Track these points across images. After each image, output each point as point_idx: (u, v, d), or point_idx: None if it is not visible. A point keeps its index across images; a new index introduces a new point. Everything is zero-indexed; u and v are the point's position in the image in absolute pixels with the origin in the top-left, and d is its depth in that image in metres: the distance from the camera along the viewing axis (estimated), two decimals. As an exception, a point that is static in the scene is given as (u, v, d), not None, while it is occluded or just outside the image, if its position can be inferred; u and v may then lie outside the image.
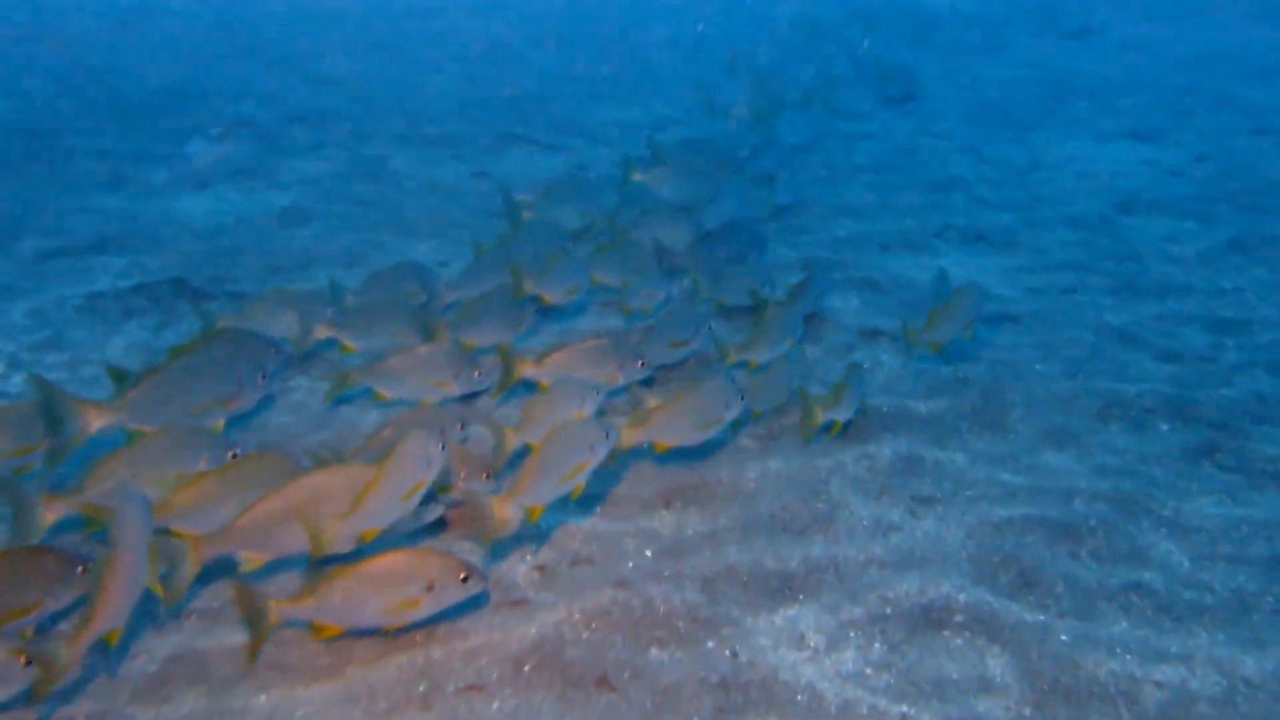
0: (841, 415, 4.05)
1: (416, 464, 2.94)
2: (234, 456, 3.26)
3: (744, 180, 6.58)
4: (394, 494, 2.94)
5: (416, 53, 13.17)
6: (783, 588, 3.30)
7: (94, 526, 3.09)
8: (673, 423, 3.61)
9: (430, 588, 2.84)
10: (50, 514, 2.98)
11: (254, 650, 2.80)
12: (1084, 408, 4.40)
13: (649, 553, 3.49)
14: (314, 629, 2.85)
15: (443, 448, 3.00)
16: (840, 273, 5.96)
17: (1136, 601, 3.20)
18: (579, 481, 3.26)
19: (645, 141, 6.99)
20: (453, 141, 8.77)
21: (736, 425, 4.05)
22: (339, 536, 2.91)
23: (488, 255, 5.08)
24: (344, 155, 8.23)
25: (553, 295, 4.79)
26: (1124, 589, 3.25)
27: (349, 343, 4.41)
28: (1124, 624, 3.11)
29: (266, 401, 4.35)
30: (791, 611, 3.19)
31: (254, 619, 2.77)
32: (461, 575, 2.86)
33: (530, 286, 4.70)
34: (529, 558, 3.41)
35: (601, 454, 3.28)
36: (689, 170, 6.43)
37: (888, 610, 3.17)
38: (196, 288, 5.80)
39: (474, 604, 3.13)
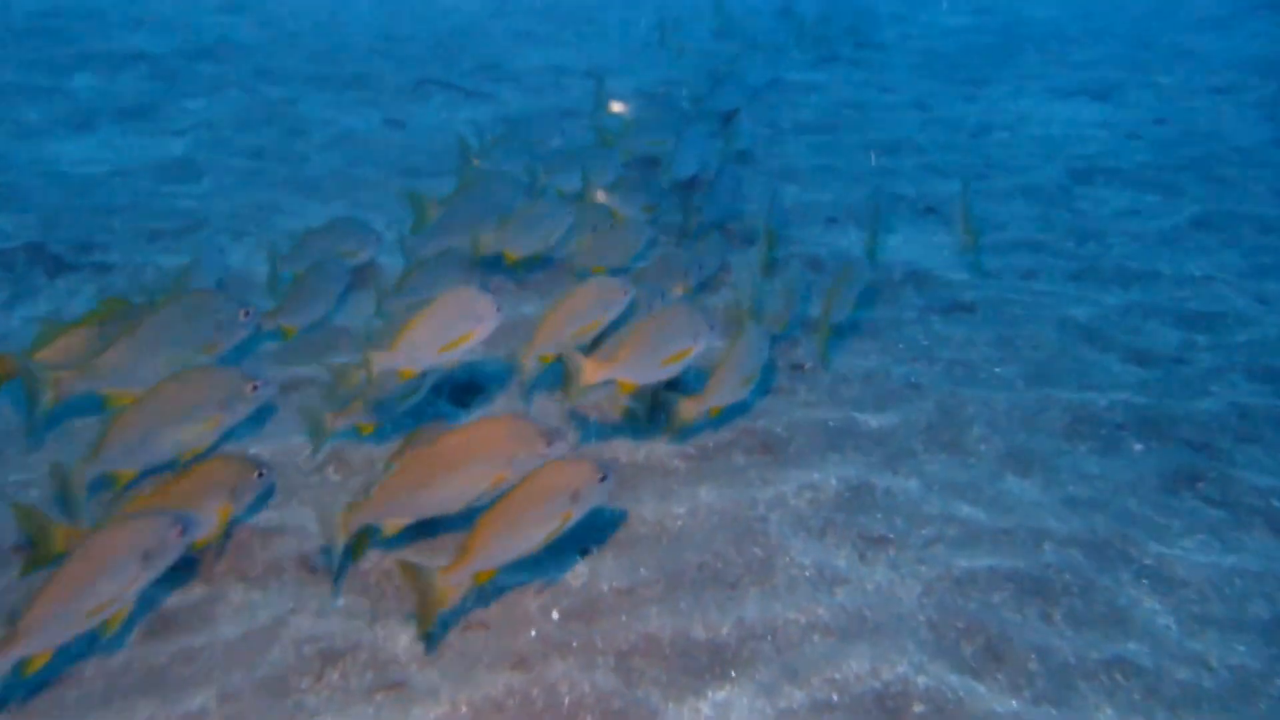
0: (722, 400, 3.52)
1: (465, 317, 3.17)
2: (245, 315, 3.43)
3: (702, 130, 5.97)
4: (435, 339, 3.16)
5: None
6: (712, 663, 2.76)
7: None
8: (638, 358, 3.27)
9: (575, 497, 2.76)
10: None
11: (425, 624, 2.69)
12: (1050, 423, 3.90)
13: (555, 614, 2.92)
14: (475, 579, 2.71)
15: (497, 309, 3.22)
16: (782, 249, 5.37)
17: (1122, 682, 2.72)
18: (676, 370, 3.33)
19: (594, 94, 6.33)
20: (369, 83, 7.93)
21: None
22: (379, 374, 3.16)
23: (447, 210, 4.57)
24: (247, 97, 7.36)
25: (517, 253, 4.47)
26: (1106, 665, 2.77)
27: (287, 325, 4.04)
28: (1109, 712, 2.64)
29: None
30: (722, 695, 2.66)
31: (422, 591, 2.63)
32: (599, 476, 2.78)
33: (491, 245, 4.41)
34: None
35: (702, 347, 3.35)
36: (651, 122, 5.88)
37: (834, 697, 2.65)
38: (55, 254, 5.01)
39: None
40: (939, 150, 7.19)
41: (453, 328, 3.25)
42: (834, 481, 3.49)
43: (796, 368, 4.33)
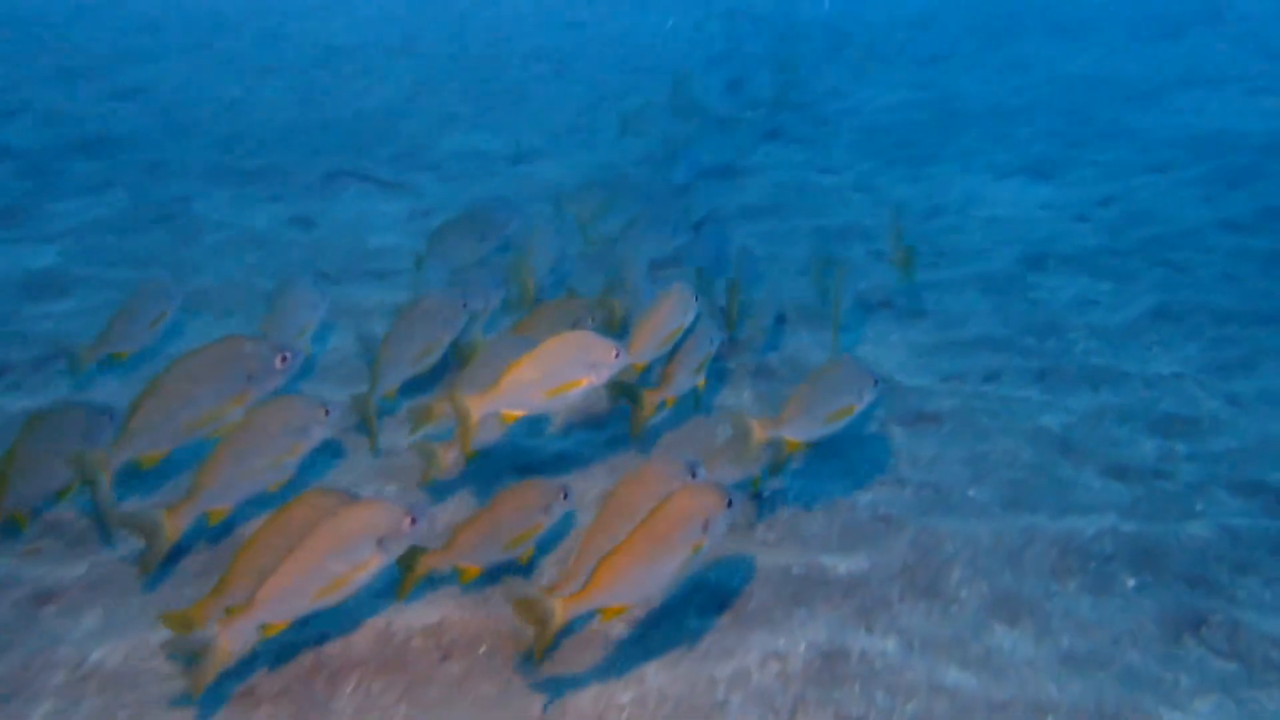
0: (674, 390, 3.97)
1: (579, 362, 3.23)
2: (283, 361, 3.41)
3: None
4: (543, 382, 3.22)
5: (245, 57, 11.78)
6: None
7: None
8: (802, 415, 3.51)
9: (706, 525, 2.78)
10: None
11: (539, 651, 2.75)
12: (1035, 559, 3.64)
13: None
14: (601, 612, 2.73)
15: (616, 355, 3.30)
16: (729, 358, 5.11)
17: None
18: (840, 425, 3.51)
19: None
20: (274, 176, 7.58)
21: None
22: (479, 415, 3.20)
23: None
24: (132, 196, 6.93)
25: None
26: None
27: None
28: None
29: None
30: None
31: (540, 621, 2.66)
32: (726, 501, 2.82)
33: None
34: None
35: (866, 402, 3.53)
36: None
37: None
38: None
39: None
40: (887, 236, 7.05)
41: (564, 372, 3.28)
42: (803, 647, 3.16)
43: (754, 497, 4.02)
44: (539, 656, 2.82)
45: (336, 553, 2.68)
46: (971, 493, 4.08)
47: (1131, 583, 3.54)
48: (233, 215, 6.74)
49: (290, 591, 2.64)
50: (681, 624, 3.26)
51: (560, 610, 2.67)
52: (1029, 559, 3.64)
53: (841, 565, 3.58)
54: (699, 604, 3.36)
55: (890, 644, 3.21)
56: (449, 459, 3.63)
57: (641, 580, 2.71)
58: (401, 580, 3.11)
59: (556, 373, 3.28)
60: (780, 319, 5.63)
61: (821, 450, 4.35)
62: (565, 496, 3.24)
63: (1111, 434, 4.56)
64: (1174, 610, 3.38)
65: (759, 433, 3.44)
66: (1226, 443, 4.49)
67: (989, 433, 4.52)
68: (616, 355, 3.33)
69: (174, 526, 3.13)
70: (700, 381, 4.18)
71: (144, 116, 8.84)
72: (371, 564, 2.74)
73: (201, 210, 6.77)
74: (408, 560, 3.06)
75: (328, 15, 15.44)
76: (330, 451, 4.16)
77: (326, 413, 3.30)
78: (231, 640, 2.65)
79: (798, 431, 3.48)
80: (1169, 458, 4.38)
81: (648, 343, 3.91)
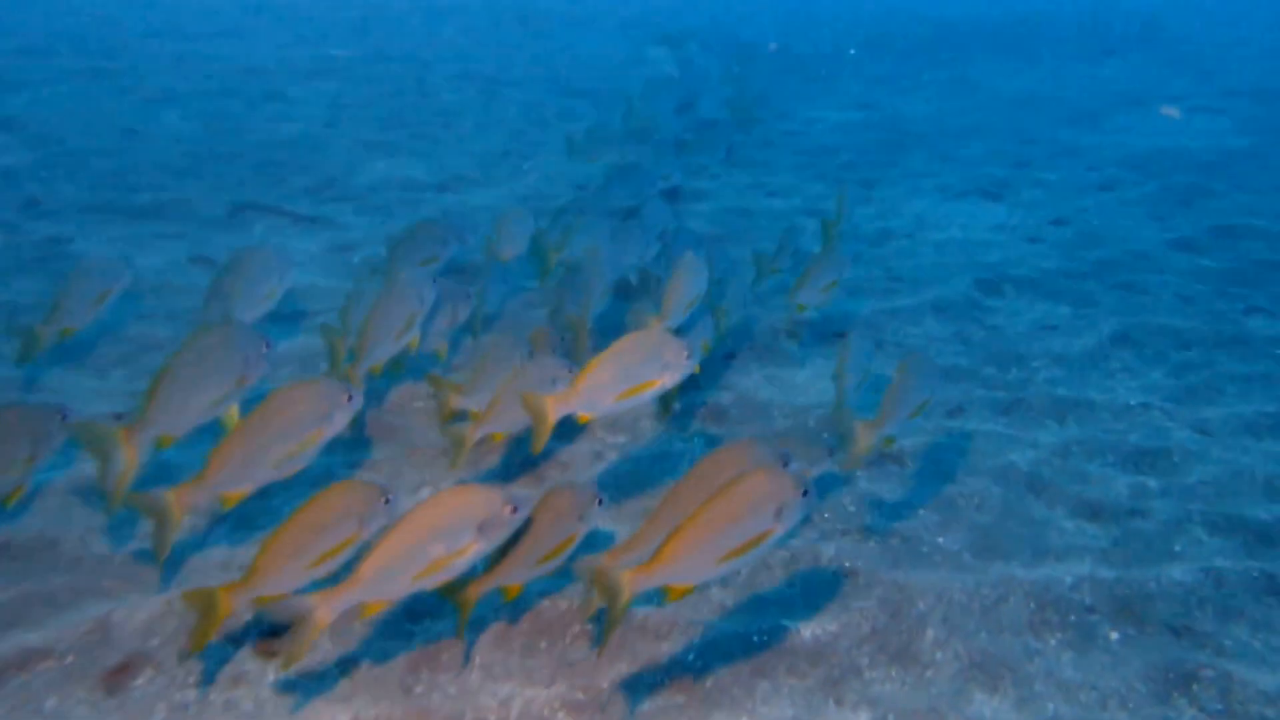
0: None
1: (652, 362, 3.31)
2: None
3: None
4: (617, 384, 3.30)
5: (145, 82, 11.38)
6: None
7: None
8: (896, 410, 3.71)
9: (780, 513, 2.75)
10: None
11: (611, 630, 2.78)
12: (1012, 614, 3.49)
13: None
14: (668, 592, 2.75)
15: (688, 356, 3.38)
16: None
17: None
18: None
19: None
20: (173, 212, 7.22)
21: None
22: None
23: None
24: (4, 237, 6.51)
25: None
26: None
27: None
28: None
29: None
30: None
31: (611, 596, 2.69)
32: (802, 490, 2.77)
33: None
34: None
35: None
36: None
37: None
38: None
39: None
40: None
41: (638, 373, 3.35)
42: (769, 729, 2.96)
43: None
44: (609, 636, 2.80)
45: (438, 535, 2.73)
46: (941, 540, 3.93)
47: (1114, 636, 3.41)
48: (120, 255, 6.38)
49: (390, 571, 2.69)
50: (635, 711, 3.04)
51: (627, 584, 2.67)
52: (1006, 615, 3.49)
53: (806, 629, 3.39)
54: (650, 684, 3.14)
55: (862, 719, 3.03)
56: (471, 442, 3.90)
57: (708, 558, 2.70)
58: (460, 616, 3.08)
59: (631, 373, 3.36)
60: (729, 355, 5.47)
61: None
62: (600, 503, 3.14)
63: (1082, 470, 4.46)
64: (1162, 665, 3.25)
65: (866, 436, 3.64)
66: (1199, 475, 4.42)
67: (956, 473, 4.38)
68: (689, 355, 3.41)
69: (181, 508, 3.13)
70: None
71: (21, 149, 8.37)
72: (470, 550, 2.77)
73: (84, 250, 6.37)
74: (456, 592, 3.01)
75: (240, 37, 15.07)
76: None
77: (350, 398, 3.28)
78: (330, 612, 2.68)
79: (893, 428, 3.70)
80: (1142, 494, 4.29)
81: (677, 307, 4.35)
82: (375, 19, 17.91)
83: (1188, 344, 5.73)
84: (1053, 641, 3.39)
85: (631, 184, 6.69)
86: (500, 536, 2.81)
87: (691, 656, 3.24)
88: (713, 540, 2.69)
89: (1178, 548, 3.90)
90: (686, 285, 4.38)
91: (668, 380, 3.40)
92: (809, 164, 9.75)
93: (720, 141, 9.39)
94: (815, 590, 3.61)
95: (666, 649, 3.27)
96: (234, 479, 3.14)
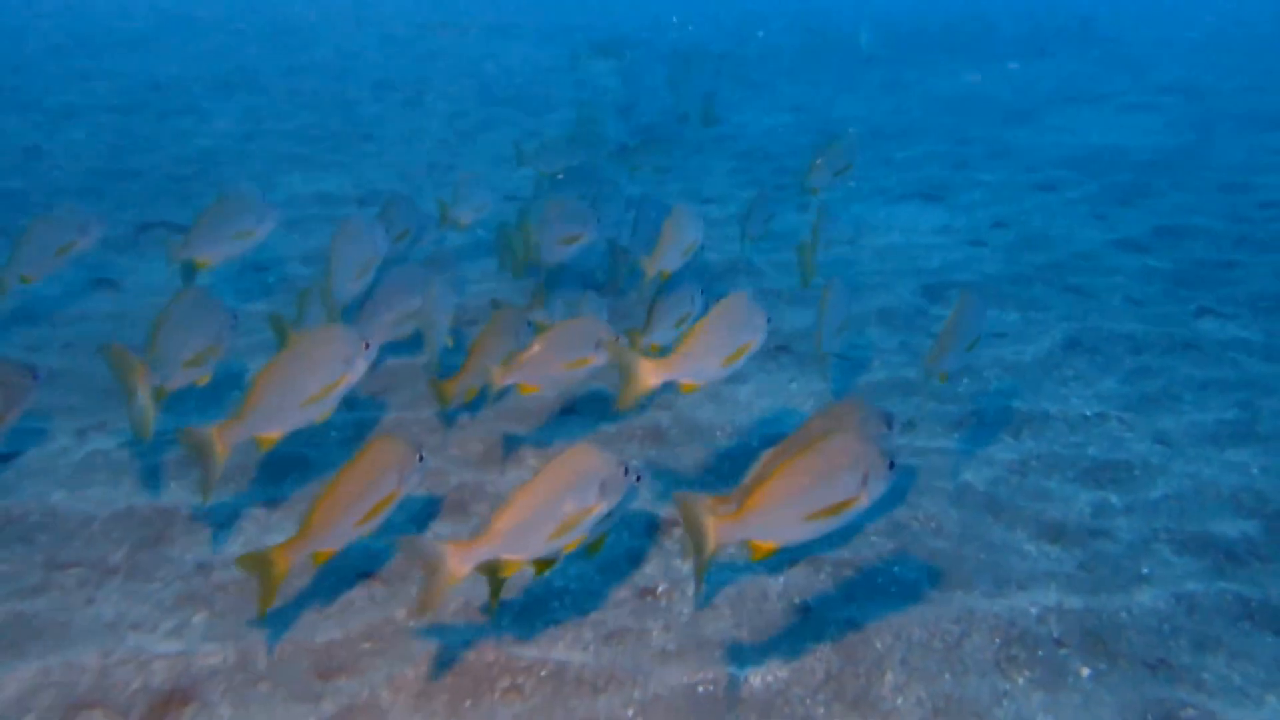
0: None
1: (743, 326, 3.42)
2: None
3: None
4: (719, 350, 3.38)
5: (47, 97, 10.82)
6: None
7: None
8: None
9: (866, 480, 2.70)
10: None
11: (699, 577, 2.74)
12: (977, 653, 3.24)
13: None
14: (752, 549, 2.71)
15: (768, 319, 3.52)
16: (617, 419, 4.64)
17: None
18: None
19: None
20: (75, 232, 6.76)
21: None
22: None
23: None
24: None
25: None
26: None
27: None
28: None
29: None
30: None
31: (699, 539, 2.64)
32: (888, 463, 2.73)
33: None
34: None
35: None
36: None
37: None
38: None
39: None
40: (777, 271, 6.73)
41: (733, 338, 3.41)
42: (718, 797, 2.67)
43: (646, 593, 3.53)
44: (698, 582, 2.79)
45: (569, 493, 2.76)
46: (897, 570, 3.68)
47: (1086, 672, 3.18)
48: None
49: (526, 527, 2.73)
50: (567, 777, 2.74)
51: (713, 531, 2.63)
52: (970, 652, 3.24)
53: (756, 677, 3.11)
54: (587, 747, 2.84)
55: (821, 780, 2.75)
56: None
57: (794, 515, 2.65)
58: (492, 593, 3.19)
59: (729, 340, 3.42)
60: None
61: (723, 530, 3.90)
62: (628, 473, 2.91)
63: (1040, 488, 4.24)
64: (1139, 706, 3.02)
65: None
66: (1163, 490, 4.23)
67: (909, 494, 4.14)
68: (769, 318, 3.57)
69: (224, 444, 3.25)
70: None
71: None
72: (595, 510, 2.80)
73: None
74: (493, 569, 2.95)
75: (150, 50, 14.49)
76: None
77: (367, 346, 3.40)
78: (463, 565, 2.71)
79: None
80: (1105, 512, 4.08)
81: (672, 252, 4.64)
82: (292, 31, 17.39)
83: (1140, 349, 5.57)
84: (1021, 681, 3.14)
85: (583, 183, 6.50)
86: (618, 500, 2.84)
87: (631, 713, 2.94)
88: (799, 496, 2.64)
89: (1146, 570, 3.69)
90: (681, 231, 4.65)
91: (757, 342, 3.52)
92: (742, 169, 9.53)
93: (665, 147, 9.15)
94: (764, 630, 3.33)
95: (606, 701, 2.97)
96: (267, 420, 3.28)
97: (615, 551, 3.75)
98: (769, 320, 3.56)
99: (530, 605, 3.45)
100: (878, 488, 2.71)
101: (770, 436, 4.56)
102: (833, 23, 19.45)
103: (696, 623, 3.39)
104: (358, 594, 3.49)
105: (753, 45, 16.78)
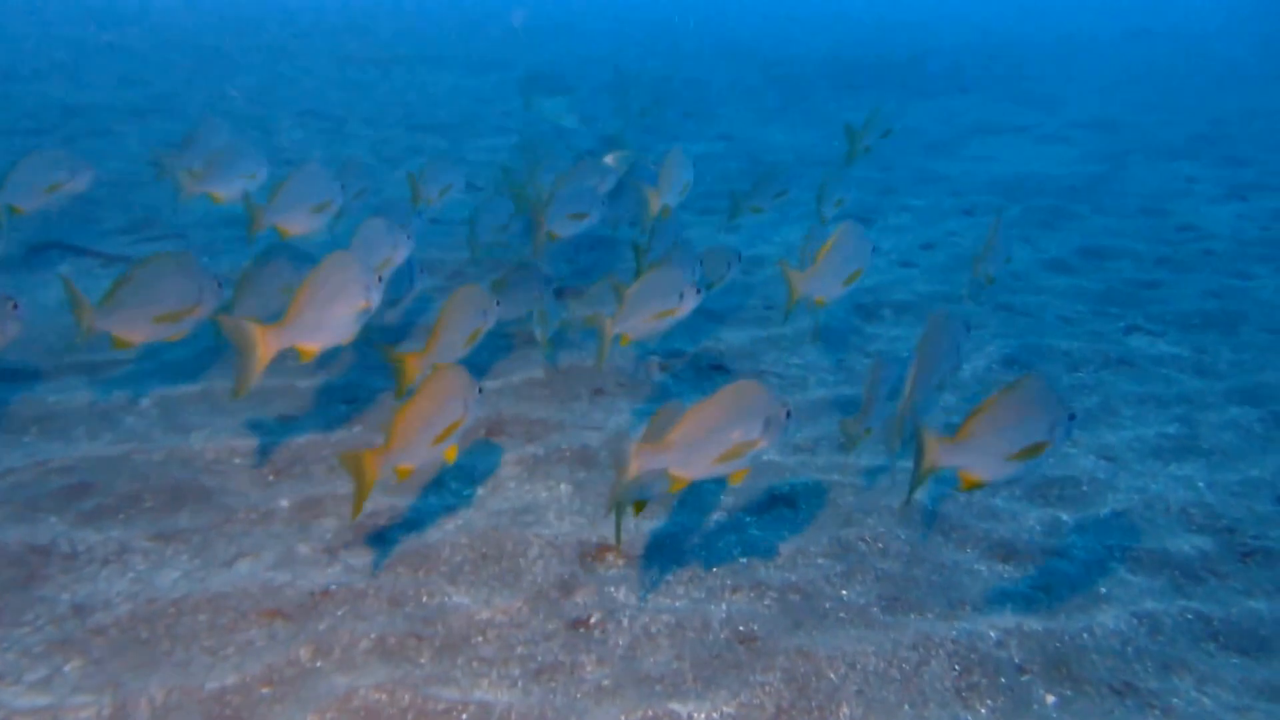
0: None
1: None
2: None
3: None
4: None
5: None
6: None
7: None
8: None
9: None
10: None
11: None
12: (936, 681, 2.96)
13: None
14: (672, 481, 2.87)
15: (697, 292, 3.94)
16: (542, 441, 4.30)
17: None
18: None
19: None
20: (-39, 253, 6.24)
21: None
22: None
23: None
24: None
25: None
26: None
27: None
28: None
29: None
30: None
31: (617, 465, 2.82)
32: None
33: None
34: None
35: (689, 307, 3.88)
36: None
37: None
38: None
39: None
40: (711, 294, 6.46)
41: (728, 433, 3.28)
42: None
43: (578, 624, 3.20)
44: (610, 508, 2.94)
45: (737, 422, 2.85)
46: (845, 594, 3.40)
47: (1051, 700, 2.92)
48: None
49: (696, 445, 2.83)
50: (490, 837, 2.37)
51: (635, 454, 2.80)
52: (929, 681, 2.96)
53: (700, 713, 2.79)
54: (513, 800, 2.48)
55: (776, 829, 2.43)
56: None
57: (705, 455, 2.84)
58: (618, 522, 3.26)
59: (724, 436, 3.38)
60: (597, 391, 4.88)
61: (663, 552, 3.58)
62: (789, 416, 2.96)
63: (988, 505, 4.01)
64: (1111, 734, 2.77)
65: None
66: (1111, 507, 4.03)
67: (853, 514, 3.87)
68: (698, 294, 3.93)
69: (266, 346, 3.30)
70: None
71: None
72: (759, 444, 2.88)
73: None
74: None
75: (65, 74, 13.84)
76: None
77: (380, 279, 3.55)
78: (640, 465, 2.82)
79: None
80: (1056, 530, 3.86)
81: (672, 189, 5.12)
82: (217, 61, 16.84)
83: (1076, 365, 5.42)
84: (984, 710, 2.87)
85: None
86: (777, 437, 2.90)
87: (562, 764, 2.60)
88: (708, 436, 2.81)
89: (1104, 590, 3.46)
90: (677, 171, 5.07)
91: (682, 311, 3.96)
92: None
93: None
94: (708, 663, 3.01)
95: (531, 755, 2.62)
96: (305, 333, 3.37)
97: (542, 580, 3.41)
98: (698, 294, 3.70)
99: (450, 640, 3.09)
100: (775, 437, 2.90)
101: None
102: (757, 63, 19.49)
103: (633, 656, 3.06)
104: (256, 631, 3.10)
105: (677, 79, 16.67)
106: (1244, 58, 19.61)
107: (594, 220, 5.16)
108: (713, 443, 2.84)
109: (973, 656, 3.05)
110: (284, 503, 3.86)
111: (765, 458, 4.35)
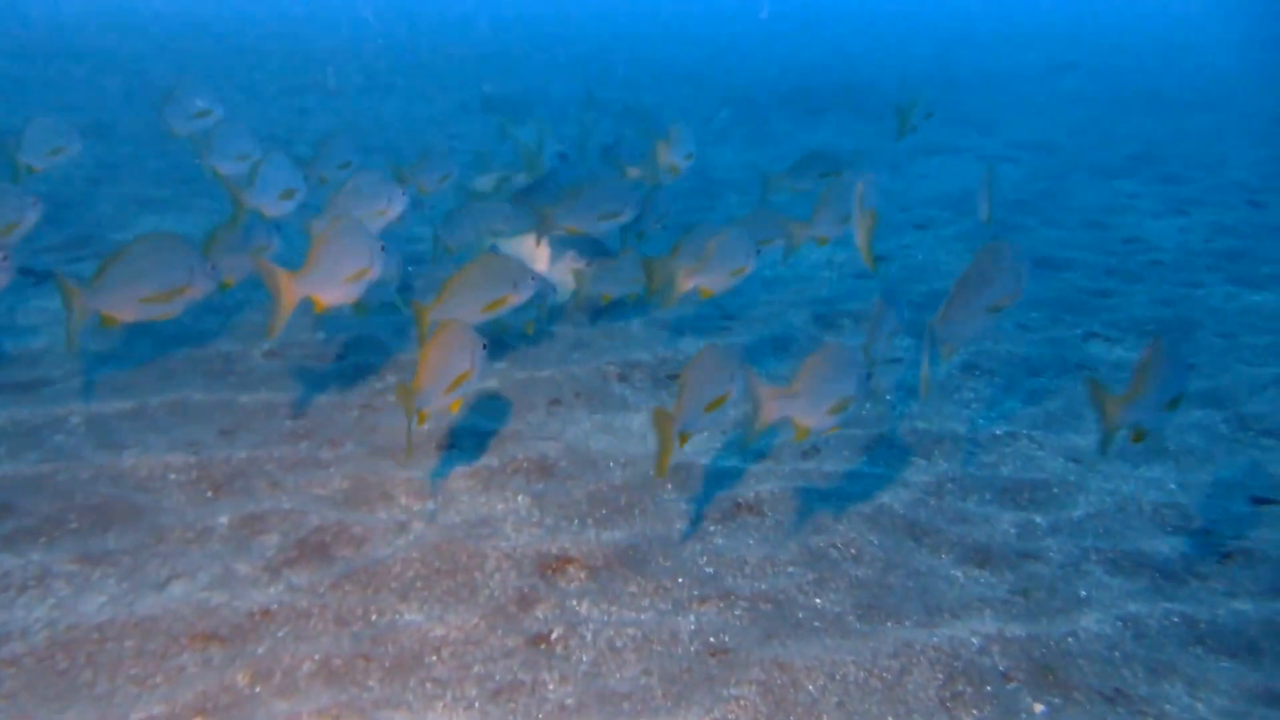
0: None
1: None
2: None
3: None
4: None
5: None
6: None
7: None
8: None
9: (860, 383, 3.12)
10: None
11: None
12: (919, 691, 2.77)
13: None
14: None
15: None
16: (499, 453, 4.05)
17: None
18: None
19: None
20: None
21: None
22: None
23: None
24: None
25: None
26: None
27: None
28: None
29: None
30: None
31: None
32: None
33: None
34: None
35: (752, 268, 4.29)
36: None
37: None
38: None
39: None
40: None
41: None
42: None
43: (539, 640, 2.96)
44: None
45: (842, 380, 3.05)
46: (819, 602, 3.20)
47: (1040, 709, 2.74)
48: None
49: (816, 397, 3.01)
50: None
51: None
52: (912, 691, 2.76)
53: (671, 736, 2.56)
54: (472, 833, 2.23)
55: None
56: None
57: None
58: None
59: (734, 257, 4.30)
60: (554, 401, 4.66)
61: (622, 558, 3.36)
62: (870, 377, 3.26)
63: (960, 509, 3.85)
64: (1106, 742, 2.60)
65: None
66: (1084, 509, 3.88)
67: (823, 521, 3.68)
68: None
69: (290, 292, 3.48)
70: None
71: None
72: (851, 401, 3.11)
73: None
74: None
75: (4, 97, 13.37)
76: None
77: (383, 248, 3.71)
78: (772, 414, 3.00)
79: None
80: (1030, 533, 3.70)
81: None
82: (157, 89, 16.43)
83: (1037, 371, 5.31)
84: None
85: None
86: (865, 397, 3.31)
87: None
88: (822, 388, 3.03)
89: (1084, 593, 3.30)
90: (684, 136, 5.61)
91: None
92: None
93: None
94: (678, 677, 2.79)
95: (490, 784, 2.38)
96: (321, 285, 3.53)
97: (500, 594, 3.17)
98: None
99: (401, 660, 2.84)
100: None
101: (670, 466, 4.05)
102: (705, 84, 19.48)
103: (598, 672, 2.83)
104: (189, 656, 2.82)
105: (613, 99, 16.59)
106: (1162, 88, 20.00)
107: (627, 218, 5.08)
108: (826, 395, 3.01)
109: (956, 664, 2.86)
110: (223, 520, 3.58)
111: (727, 463, 4.16)
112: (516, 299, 3.92)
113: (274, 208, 4.65)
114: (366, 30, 23.63)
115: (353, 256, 3.59)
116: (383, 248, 3.69)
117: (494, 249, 5.25)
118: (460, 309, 3.78)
